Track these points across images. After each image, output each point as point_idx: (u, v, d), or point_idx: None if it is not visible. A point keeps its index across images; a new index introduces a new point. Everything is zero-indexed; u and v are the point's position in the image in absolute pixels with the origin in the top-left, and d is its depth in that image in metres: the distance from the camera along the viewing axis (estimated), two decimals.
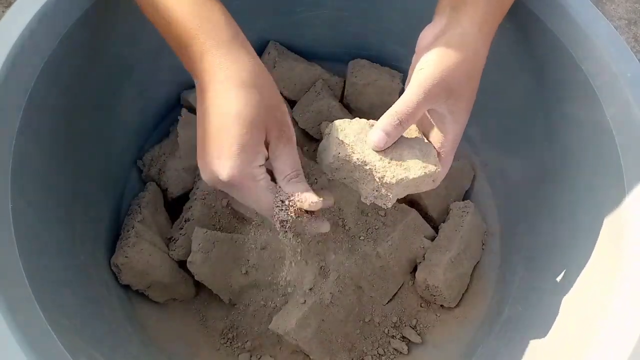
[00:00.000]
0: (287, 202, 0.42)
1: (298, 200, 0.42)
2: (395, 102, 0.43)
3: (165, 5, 0.42)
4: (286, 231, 0.44)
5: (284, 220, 0.43)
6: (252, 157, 0.40)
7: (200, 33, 0.41)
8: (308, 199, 0.42)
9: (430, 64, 0.43)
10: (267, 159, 0.42)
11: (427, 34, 0.48)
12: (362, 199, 0.45)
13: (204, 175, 0.42)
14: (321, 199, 0.42)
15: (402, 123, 0.43)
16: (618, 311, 0.42)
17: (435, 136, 0.47)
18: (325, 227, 0.45)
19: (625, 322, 0.41)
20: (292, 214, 0.42)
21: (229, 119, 0.40)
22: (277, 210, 0.42)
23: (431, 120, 0.47)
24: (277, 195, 0.42)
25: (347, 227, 0.64)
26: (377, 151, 0.44)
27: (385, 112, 0.43)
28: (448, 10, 0.47)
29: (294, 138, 0.43)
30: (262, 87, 0.41)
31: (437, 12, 0.48)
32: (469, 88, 0.45)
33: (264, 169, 0.42)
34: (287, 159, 0.42)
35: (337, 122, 0.45)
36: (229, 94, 0.40)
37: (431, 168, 0.44)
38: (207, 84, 0.41)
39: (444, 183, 0.51)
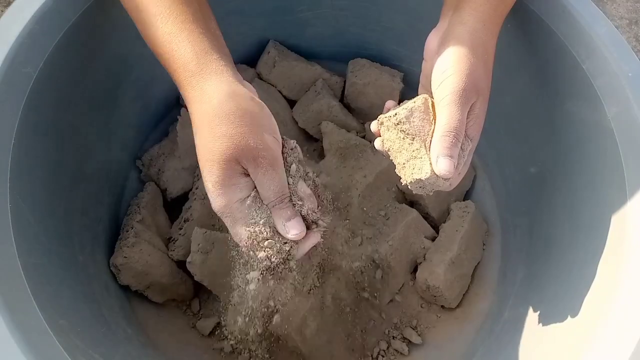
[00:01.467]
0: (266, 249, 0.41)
1: (280, 238, 0.41)
2: (439, 121, 0.42)
3: (146, 32, 0.43)
4: (267, 275, 0.43)
5: (266, 266, 0.42)
6: (230, 193, 0.40)
7: (172, 66, 0.42)
8: (290, 230, 0.41)
9: (453, 70, 0.42)
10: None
11: (433, 38, 0.47)
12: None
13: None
14: (302, 231, 0.41)
15: (458, 138, 0.42)
16: (619, 311, 0.42)
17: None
18: (313, 240, 0.43)
19: (626, 322, 0.41)
20: (275, 260, 0.41)
21: (202, 157, 0.40)
22: (259, 251, 0.41)
23: None
24: (257, 237, 0.41)
25: (348, 227, 0.64)
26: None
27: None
28: (451, 12, 0.46)
29: (277, 160, 0.41)
30: (232, 115, 0.39)
31: (442, 14, 0.48)
32: (488, 83, 0.45)
33: (245, 204, 0.41)
34: (270, 185, 0.40)
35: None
36: (200, 131, 0.40)
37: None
38: (191, 114, 0.42)
39: None
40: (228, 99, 0.40)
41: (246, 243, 0.41)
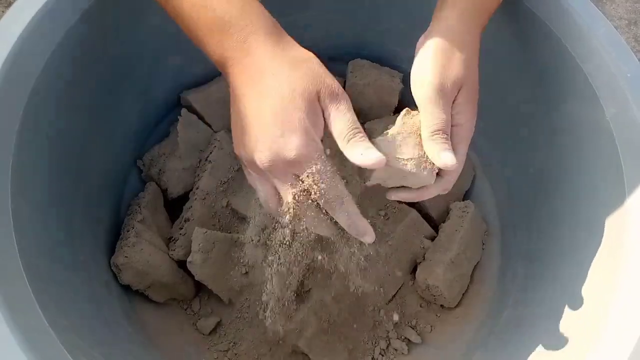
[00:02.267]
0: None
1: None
2: (423, 122, 0.43)
3: None
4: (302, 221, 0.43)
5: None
6: (315, 130, 0.40)
7: (242, 17, 0.41)
8: (366, 155, 0.41)
9: (428, 67, 0.43)
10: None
11: (421, 40, 0.48)
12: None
13: (259, 158, 0.40)
14: (379, 155, 0.42)
15: (446, 133, 0.43)
16: (619, 311, 0.42)
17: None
18: (369, 234, 0.45)
19: (626, 322, 0.41)
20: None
21: (288, 95, 0.40)
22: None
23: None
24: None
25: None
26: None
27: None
28: (435, 12, 0.48)
29: (347, 96, 0.42)
30: (309, 59, 0.42)
31: (434, 13, 0.49)
32: (470, 72, 0.45)
33: (323, 155, 0.42)
34: (346, 119, 0.41)
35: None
36: (282, 70, 0.40)
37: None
38: (250, 66, 0.41)
39: None
40: (304, 50, 0.43)
41: (298, 195, 0.42)
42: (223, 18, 0.41)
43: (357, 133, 0.42)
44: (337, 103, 0.41)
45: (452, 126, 0.45)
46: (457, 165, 0.44)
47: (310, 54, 0.43)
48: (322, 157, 0.41)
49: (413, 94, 0.45)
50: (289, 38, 0.43)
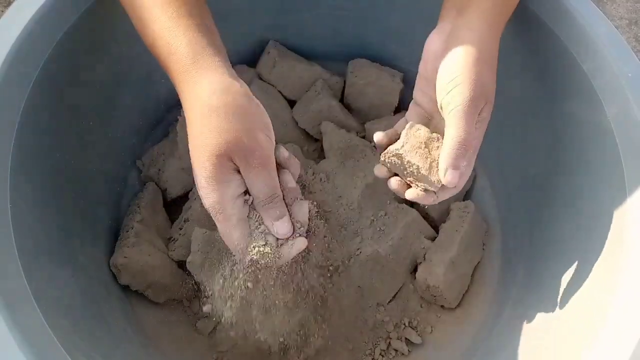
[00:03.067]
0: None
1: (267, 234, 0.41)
2: (449, 132, 0.42)
3: (142, 28, 0.43)
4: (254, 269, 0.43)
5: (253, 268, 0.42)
6: (223, 189, 0.39)
7: (166, 61, 0.41)
8: (278, 230, 0.41)
9: (462, 78, 0.41)
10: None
11: (434, 40, 0.47)
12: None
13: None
14: (290, 230, 0.41)
15: (467, 149, 0.41)
16: (619, 312, 0.42)
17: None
18: (298, 245, 0.42)
19: (625, 322, 0.41)
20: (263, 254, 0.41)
21: (194, 152, 0.39)
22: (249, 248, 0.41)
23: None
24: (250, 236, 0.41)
25: (347, 227, 0.64)
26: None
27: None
28: (454, 13, 0.46)
29: (269, 159, 0.40)
30: (225, 109, 0.38)
31: (442, 16, 0.48)
32: (494, 87, 0.44)
33: (238, 202, 0.40)
34: (260, 185, 0.40)
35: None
36: (193, 125, 0.39)
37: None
38: (185, 113, 0.41)
39: None
40: (222, 93, 0.39)
41: (237, 244, 0.41)
42: (173, 54, 0.41)
43: (273, 199, 0.40)
44: (252, 166, 0.39)
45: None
46: (458, 184, 0.43)
47: (234, 92, 0.40)
48: (230, 217, 0.40)
49: (440, 100, 0.43)
50: (217, 72, 0.40)
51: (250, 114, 0.40)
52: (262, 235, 0.41)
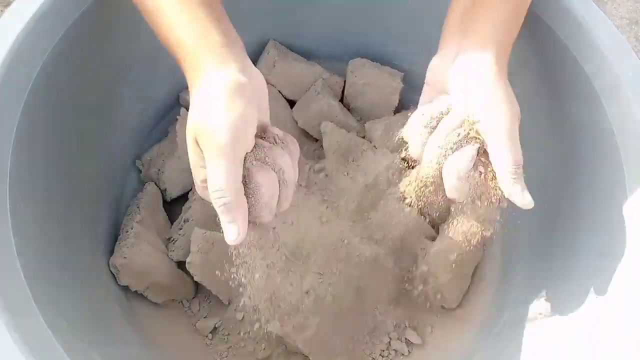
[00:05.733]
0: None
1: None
2: (503, 159, 0.43)
3: (163, 10, 0.42)
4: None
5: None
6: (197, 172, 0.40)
7: (174, 50, 0.41)
8: (226, 235, 0.39)
9: (499, 106, 0.42)
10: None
11: (437, 65, 0.46)
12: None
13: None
14: (238, 238, 0.39)
15: (521, 167, 0.43)
16: (619, 311, 0.42)
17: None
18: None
19: (626, 322, 0.41)
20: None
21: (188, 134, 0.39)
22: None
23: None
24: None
25: (347, 227, 0.64)
26: None
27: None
28: (458, 37, 0.45)
29: (228, 153, 0.38)
30: (209, 98, 0.39)
31: (445, 40, 0.47)
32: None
33: None
34: (210, 178, 0.38)
35: None
36: (192, 106, 0.40)
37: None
38: (197, 87, 0.41)
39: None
40: (214, 85, 0.39)
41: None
42: (180, 38, 0.41)
43: (219, 198, 0.38)
44: (207, 157, 0.38)
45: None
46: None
47: (228, 84, 0.39)
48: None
49: (472, 124, 0.43)
50: (239, 62, 0.41)
51: (236, 107, 0.39)
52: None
